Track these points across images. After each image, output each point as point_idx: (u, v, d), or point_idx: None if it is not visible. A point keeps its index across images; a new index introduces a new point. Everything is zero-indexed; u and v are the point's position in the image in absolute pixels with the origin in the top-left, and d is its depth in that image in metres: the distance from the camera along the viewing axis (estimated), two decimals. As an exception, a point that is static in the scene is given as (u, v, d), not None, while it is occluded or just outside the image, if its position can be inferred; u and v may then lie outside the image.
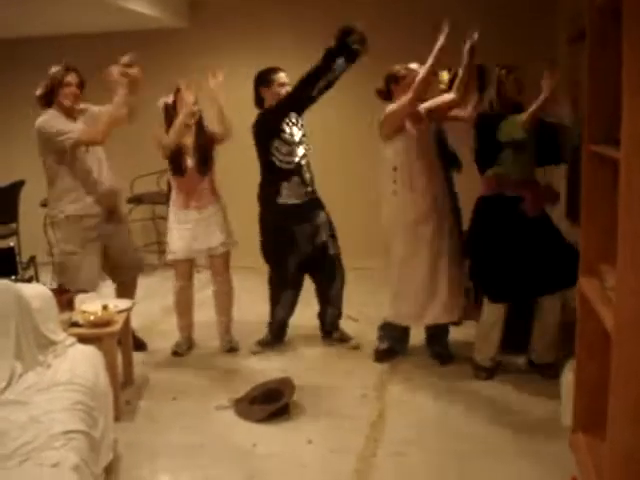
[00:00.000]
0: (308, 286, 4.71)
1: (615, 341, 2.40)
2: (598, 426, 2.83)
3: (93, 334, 3.62)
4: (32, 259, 5.65)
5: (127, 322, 4.02)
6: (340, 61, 4.08)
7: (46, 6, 5.43)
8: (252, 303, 5.15)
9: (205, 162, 4.43)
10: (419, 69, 4.02)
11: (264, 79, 4.40)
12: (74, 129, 4.08)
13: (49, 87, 4.12)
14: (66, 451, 2.46)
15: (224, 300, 4.65)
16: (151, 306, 5.38)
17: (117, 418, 3.43)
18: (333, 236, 4.60)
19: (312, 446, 3.38)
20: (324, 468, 3.19)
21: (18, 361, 3.04)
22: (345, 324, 4.83)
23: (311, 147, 4.49)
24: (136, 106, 4.27)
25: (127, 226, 4.63)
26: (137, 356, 4.36)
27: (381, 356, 4.41)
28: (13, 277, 4.49)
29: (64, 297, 3.79)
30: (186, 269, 4.56)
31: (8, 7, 5.22)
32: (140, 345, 4.61)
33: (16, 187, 6.18)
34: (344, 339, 4.70)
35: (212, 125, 4.47)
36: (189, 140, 4.41)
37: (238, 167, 5.97)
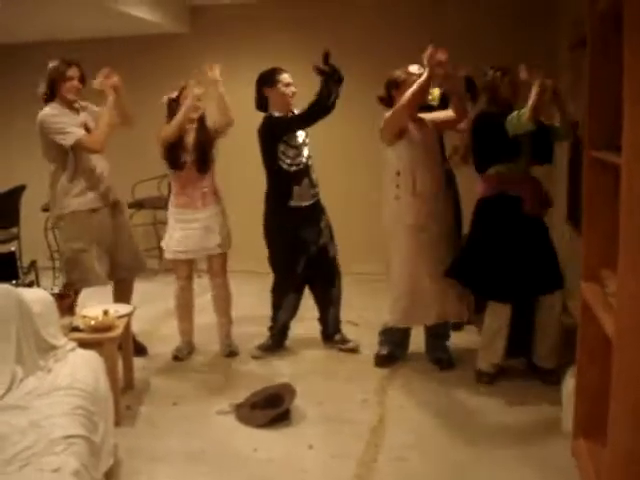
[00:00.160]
0: (307, 290, 4.71)
1: (616, 346, 2.40)
2: (599, 432, 2.83)
3: (94, 339, 3.62)
4: (33, 264, 5.65)
5: (128, 327, 4.02)
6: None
7: (47, 11, 5.44)
8: (252, 307, 5.17)
9: (204, 159, 4.42)
10: (419, 72, 4.03)
11: (268, 79, 4.40)
12: (75, 132, 4.08)
13: (50, 82, 4.14)
14: (66, 456, 2.46)
15: (222, 303, 4.65)
16: (151, 311, 5.38)
17: (117, 423, 3.43)
18: (332, 239, 4.62)
19: (313, 451, 3.37)
20: (325, 473, 3.19)
21: (19, 366, 3.04)
22: (345, 329, 4.83)
23: (311, 155, 4.50)
24: (129, 110, 4.30)
25: (129, 224, 4.63)
26: (137, 361, 4.36)
27: (381, 361, 4.41)
28: (14, 282, 4.48)
29: (65, 302, 3.79)
30: (186, 270, 4.56)
31: (8, 11, 5.22)
32: (140, 350, 4.61)
33: (17, 192, 6.19)
34: (344, 343, 4.69)
35: (213, 118, 4.47)
36: (190, 137, 4.41)
37: (237, 171, 5.99)
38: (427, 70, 3.85)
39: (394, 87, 4.16)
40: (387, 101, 4.21)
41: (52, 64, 4.17)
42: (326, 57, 4.12)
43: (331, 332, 4.75)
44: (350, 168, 6.52)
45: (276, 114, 4.40)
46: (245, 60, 6.46)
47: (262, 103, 4.46)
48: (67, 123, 4.09)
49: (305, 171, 4.41)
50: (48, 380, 3.00)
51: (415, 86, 3.91)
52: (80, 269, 4.23)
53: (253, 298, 5.30)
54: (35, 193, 5.94)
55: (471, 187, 4.19)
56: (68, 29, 6.36)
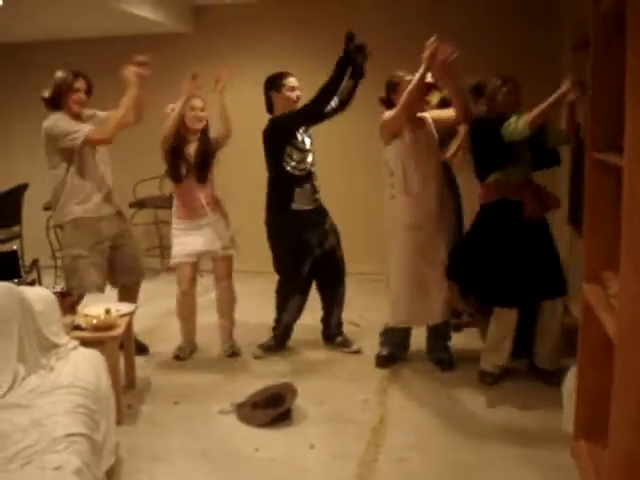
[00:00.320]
0: (312, 291, 4.71)
1: (617, 348, 2.40)
2: (600, 433, 2.83)
3: (96, 337, 3.62)
4: (35, 262, 5.66)
5: (129, 326, 4.03)
6: (347, 78, 4.13)
7: (49, 10, 5.45)
8: (254, 307, 5.17)
9: (205, 169, 4.42)
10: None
11: (274, 83, 4.39)
12: (83, 128, 4.10)
13: (57, 91, 4.14)
14: (68, 454, 2.46)
15: (226, 306, 4.65)
16: (153, 310, 5.39)
17: (119, 422, 3.42)
18: (340, 241, 4.63)
19: (314, 451, 3.38)
20: (326, 473, 3.19)
21: (21, 364, 3.04)
22: (347, 329, 4.83)
23: (315, 163, 4.50)
24: (142, 103, 4.30)
25: (131, 233, 4.63)
26: (139, 360, 4.37)
27: (382, 361, 4.41)
28: (16, 280, 4.50)
29: (67, 300, 3.80)
30: (188, 274, 4.53)
31: (10, 11, 5.23)
32: (142, 349, 4.62)
33: (19, 190, 6.19)
34: (346, 344, 4.70)
35: (216, 127, 4.48)
36: (192, 147, 4.41)
37: (239, 172, 6.00)
38: (422, 68, 3.82)
39: (392, 90, 4.17)
40: (387, 103, 4.22)
41: (60, 74, 4.16)
42: (349, 39, 4.06)
43: (333, 334, 4.76)
44: (351, 168, 6.53)
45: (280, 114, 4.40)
46: (248, 60, 6.47)
47: (270, 106, 4.45)
48: (73, 125, 4.10)
49: (308, 176, 4.41)
50: (50, 378, 3.01)
51: (410, 86, 3.90)
52: (77, 276, 4.23)
53: (255, 298, 5.30)
54: (37, 192, 5.95)
55: (472, 189, 4.19)
56: (70, 28, 6.37)
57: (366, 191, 6.22)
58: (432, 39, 3.78)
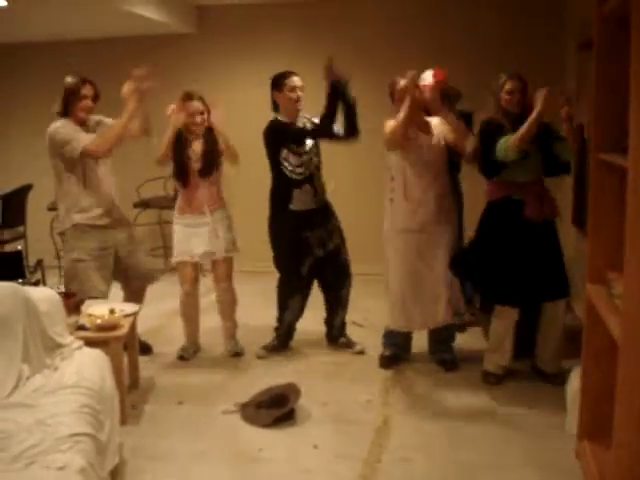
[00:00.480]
0: (315, 291, 4.72)
1: (622, 349, 2.40)
2: (604, 434, 2.83)
3: (100, 338, 3.63)
4: (39, 262, 5.67)
5: (133, 326, 4.03)
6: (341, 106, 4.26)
7: (53, 11, 5.46)
8: (257, 308, 5.17)
9: (210, 167, 4.41)
10: (433, 77, 4.03)
11: (277, 83, 4.40)
12: (81, 139, 4.09)
13: (65, 98, 4.14)
14: (72, 454, 2.47)
15: (227, 307, 4.64)
16: (157, 310, 5.39)
17: (123, 422, 3.43)
18: (344, 242, 4.62)
19: (317, 451, 3.38)
20: (329, 473, 3.19)
21: (25, 364, 3.05)
22: (350, 330, 4.84)
23: (320, 163, 4.50)
24: (149, 119, 4.33)
25: (136, 240, 4.58)
26: (143, 360, 4.37)
27: (386, 362, 4.41)
28: (20, 280, 4.50)
29: (71, 300, 3.80)
30: (190, 274, 4.54)
31: (14, 11, 5.24)
32: (146, 349, 4.63)
33: (24, 191, 6.21)
34: (350, 345, 4.70)
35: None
36: (195, 146, 4.41)
37: (242, 171, 6.00)
38: (405, 107, 3.87)
39: (390, 95, 4.17)
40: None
41: (68, 79, 4.16)
42: (331, 74, 4.17)
43: (336, 335, 4.76)
44: (357, 168, 6.53)
45: (280, 118, 4.40)
46: (252, 60, 6.49)
47: (275, 106, 4.46)
48: (73, 134, 4.10)
49: (309, 178, 4.39)
50: (54, 378, 3.01)
51: (397, 121, 3.94)
52: (78, 280, 4.23)
53: (257, 298, 5.30)
54: (41, 192, 5.97)
55: (476, 190, 4.19)
56: (72, 29, 6.37)
57: (373, 191, 6.20)
58: (410, 73, 3.86)
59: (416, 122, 4.04)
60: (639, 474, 2.39)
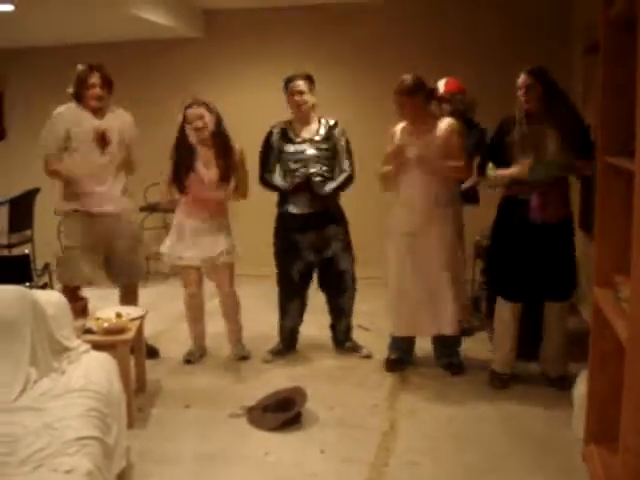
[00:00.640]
0: (320, 295, 4.72)
1: (628, 352, 2.40)
2: (611, 438, 2.82)
3: (107, 341, 3.64)
4: (46, 266, 5.68)
5: (140, 330, 4.04)
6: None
7: (61, 15, 5.49)
8: (261, 311, 5.18)
9: (226, 174, 4.35)
10: (444, 85, 4.05)
11: (284, 86, 4.42)
12: (49, 147, 4.23)
13: (75, 85, 4.24)
14: (80, 457, 2.47)
15: (230, 312, 4.64)
16: (164, 314, 5.40)
17: (130, 425, 3.43)
18: (347, 250, 4.58)
19: (324, 455, 3.38)
20: (336, 477, 3.19)
21: (33, 367, 3.05)
22: (356, 333, 4.84)
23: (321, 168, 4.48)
24: (135, 161, 4.49)
25: (132, 234, 4.55)
26: (149, 363, 4.38)
27: (392, 366, 4.41)
28: (28, 284, 4.52)
29: (78, 304, 3.82)
30: (193, 277, 4.53)
31: (22, 16, 5.27)
32: (153, 352, 4.63)
33: (31, 195, 6.23)
34: (356, 349, 4.70)
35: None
36: (204, 154, 4.34)
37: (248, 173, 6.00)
38: (393, 168, 4.06)
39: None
40: None
41: (78, 67, 4.26)
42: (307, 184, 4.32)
43: (342, 339, 4.76)
44: (361, 171, 6.50)
45: (277, 129, 4.45)
46: (258, 64, 6.50)
47: None
48: (48, 138, 4.22)
49: (305, 183, 4.34)
50: (62, 382, 3.02)
51: (385, 174, 4.17)
52: (65, 265, 4.33)
53: (263, 302, 5.30)
54: (49, 196, 5.95)
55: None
56: (79, 33, 6.40)
57: (378, 194, 6.20)
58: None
59: (415, 130, 4.10)
60: (646, 478, 2.39)
